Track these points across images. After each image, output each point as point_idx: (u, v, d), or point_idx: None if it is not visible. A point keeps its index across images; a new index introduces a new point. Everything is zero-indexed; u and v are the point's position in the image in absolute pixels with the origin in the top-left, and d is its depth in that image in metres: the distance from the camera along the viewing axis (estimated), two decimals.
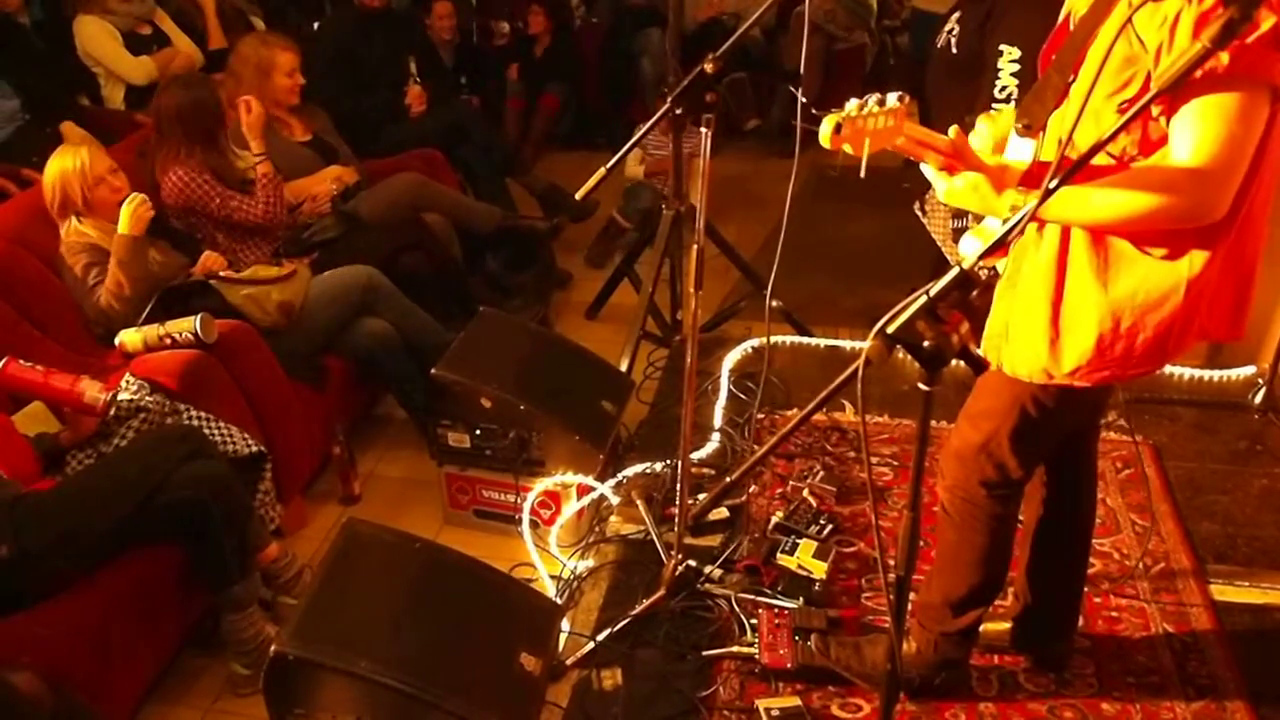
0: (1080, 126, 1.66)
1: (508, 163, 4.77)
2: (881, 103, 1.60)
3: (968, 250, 1.73)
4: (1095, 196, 1.60)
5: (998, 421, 1.91)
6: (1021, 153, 1.82)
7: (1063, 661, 2.33)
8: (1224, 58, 1.44)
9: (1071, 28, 1.72)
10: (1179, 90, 1.49)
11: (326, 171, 3.74)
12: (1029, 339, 1.79)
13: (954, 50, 3.12)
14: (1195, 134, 1.52)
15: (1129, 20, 1.48)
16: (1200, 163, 1.52)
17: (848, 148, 1.61)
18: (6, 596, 2.11)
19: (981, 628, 2.35)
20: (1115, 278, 1.70)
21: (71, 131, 3.58)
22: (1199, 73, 1.42)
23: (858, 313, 3.88)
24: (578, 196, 2.39)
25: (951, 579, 2.10)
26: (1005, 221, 1.70)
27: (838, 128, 1.57)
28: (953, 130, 1.75)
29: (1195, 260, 1.65)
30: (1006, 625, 2.35)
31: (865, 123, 1.59)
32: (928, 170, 1.78)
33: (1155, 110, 1.56)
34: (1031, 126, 1.75)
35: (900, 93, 1.63)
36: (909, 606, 2.00)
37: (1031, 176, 1.76)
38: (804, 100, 2.34)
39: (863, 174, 1.61)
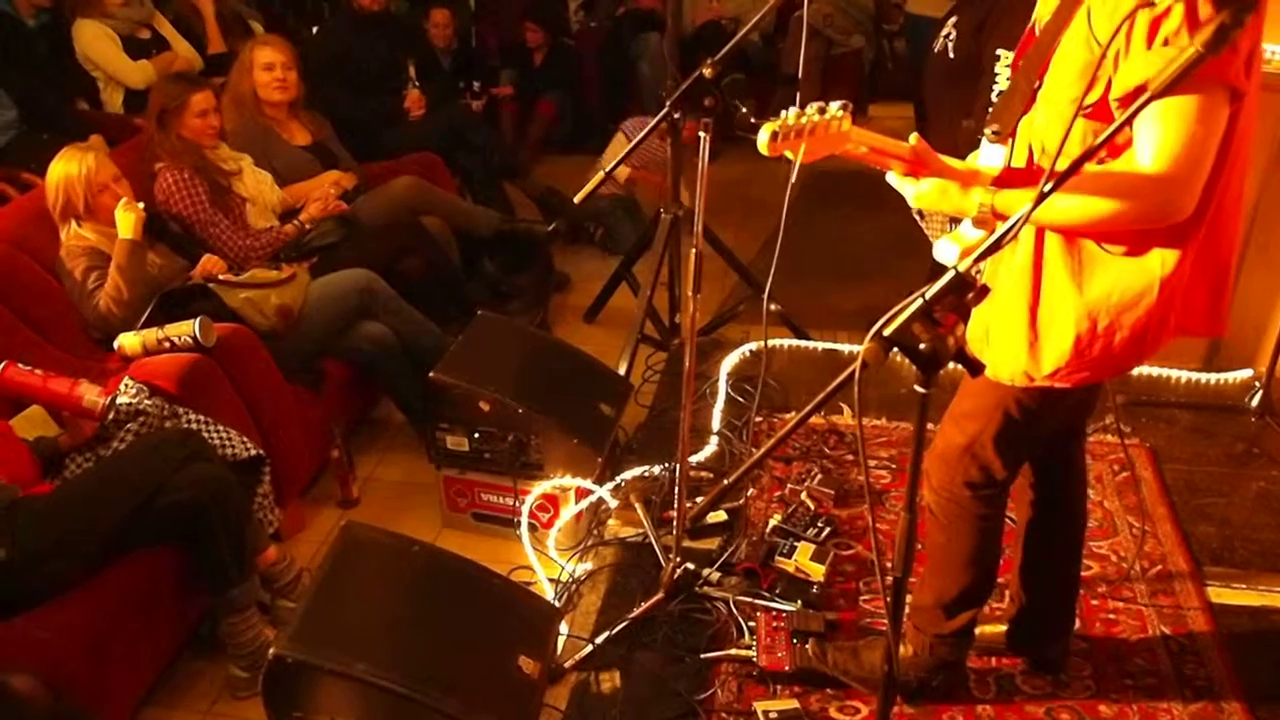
0: (1048, 132, 1.68)
1: (506, 166, 4.78)
2: (822, 110, 1.61)
3: (943, 255, 1.74)
4: (1062, 199, 1.61)
5: (982, 423, 1.92)
6: (992, 159, 1.83)
7: (1060, 663, 2.34)
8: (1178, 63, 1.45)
9: (1037, 34, 1.73)
10: (1138, 93, 1.50)
11: (324, 176, 3.74)
12: (1008, 342, 1.80)
13: (951, 55, 3.13)
14: (1156, 136, 1.54)
15: (1124, 25, 1.49)
16: (1162, 164, 1.53)
17: (789, 154, 1.62)
18: (5, 600, 2.11)
19: (978, 630, 2.35)
20: (1090, 279, 1.71)
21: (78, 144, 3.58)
22: (1162, 77, 1.44)
23: (855, 316, 3.88)
24: (576, 200, 2.40)
25: (942, 581, 2.11)
26: (974, 222, 1.71)
27: (774, 135, 1.58)
28: (913, 137, 1.76)
29: (1167, 259, 1.67)
30: (1003, 628, 2.36)
31: (804, 130, 1.60)
32: (892, 178, 1.78)
33: (1119, 113, 1.57)
34: (1001, 133, 1.77)
35: (843, 101, 1.63)
36: (904, 610, 2.01)
37: (1002, 182, 1.77)
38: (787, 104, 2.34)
39: (792, 179, 1.62)
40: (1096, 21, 1.56)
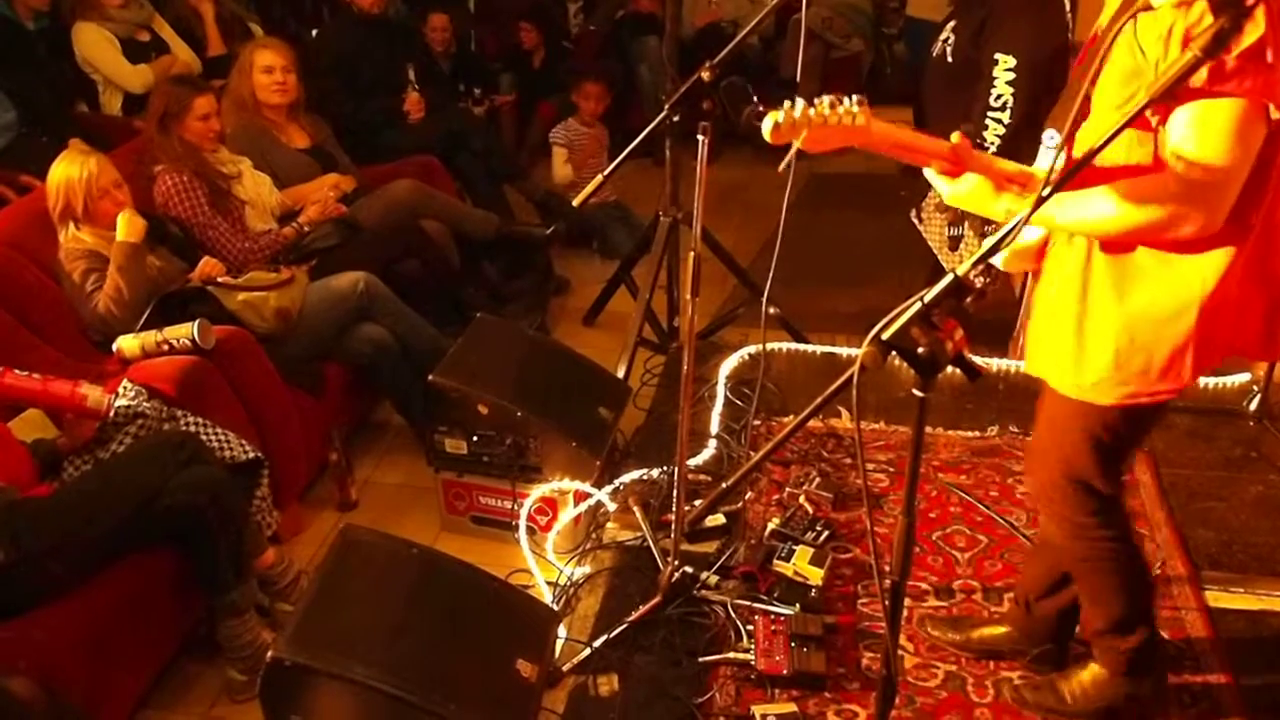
0: (1093, 137, 1.67)
1: (505, 169, 4.78)
2: (835, 104, 1.60)
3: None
4: (1090, 204, 1.61)
5: (1068, 451, 1.89)
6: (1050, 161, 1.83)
7: (1060, 664, 2.34)
8: (1202, 72, 1.45)
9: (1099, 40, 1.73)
10: (1170, 100, 1.50)
11: (324, 179, 3.75)
12: (1058, 349, 1.80)
13: (949, 59, 3.14)
14: (1182, 143, 1.54)
15: (1117, 31, 1.50)
16: (1185, 171, 1.53)
17: (798, 142, 1.60)
18: (3, 601, 2.11)
19: (977, 633, 2.36)
20: (1131, 291, 1.70)
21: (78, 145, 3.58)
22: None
23: (854, 319, 3.88)
24: (575, 203, 2.41)
25: (1107, 607, 2.07)
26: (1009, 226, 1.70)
27: (777, 126, 1.56)
28: (955, 135, 1.75)
29: (1208, 277, 1.66)
30: (1002, 629, 2.36)
31: (810, 122, 1.58)
32: (930, 175, 1.78)
33: (1154, 120, 1.57)
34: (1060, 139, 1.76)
35: (860, 97, 1.63)
36: (902, 613, 2.00)
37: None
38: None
39: (781, 169, 1.61)
40: (1142, 28, 1.56)
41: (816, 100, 1.58)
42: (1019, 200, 1.70)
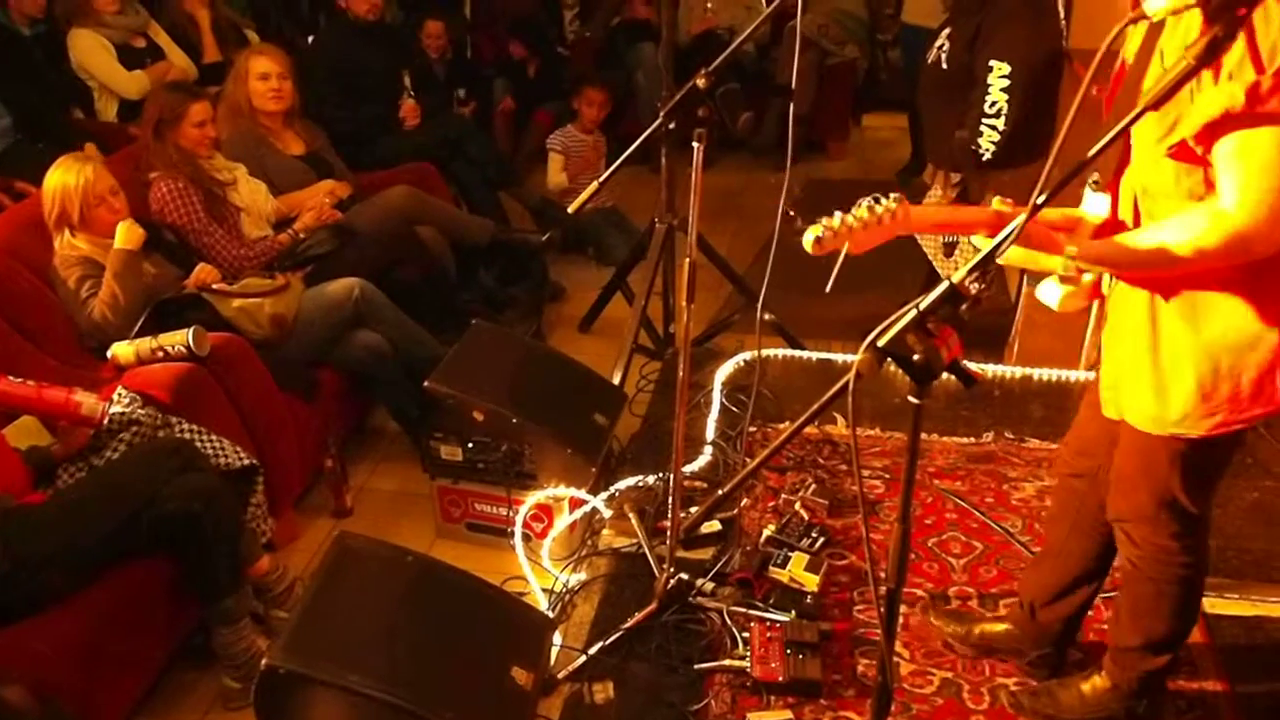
0: (1143, 174, 1.67)
1: (501, 176, 4.79)
2: (872, 206, 1.58)
3: (1045, 296, 1.73)
4: (1149, 242, 1.60)
5: (1162, 478, 1.88)
6: (1096, 207, 1.83)
7: (1057, 669, 2.34)
8: (1240, 98, 1.45)
9: (1126, 72, 1.71)
10: (1215, 127, 1.50)
11: (319, 185, 3.74)
12: (1137, 389, 1.79)
13: (944, 66, 3.15)
14: (1226, 172, 1.53)
15: (1112, 39, 1.49)
16: (1232, 200, 1.53)
17: (844, 249, 1.59)
18: None
19: (980, 627, 2.36)
20: (1204, 320, 1.69)
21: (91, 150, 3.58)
22: (1224, 110, 1.43)
23: (849, 326, 3.88)
24: (570, 210, 2.41)
25: (1151, 623, 2.06)
26: (1061, 279, 1.68)
27: (818, 240, 1.56)
28: (995, 201, 1.74)
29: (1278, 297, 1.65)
30: (1002, 627, 2.37)
31: (850, 229, 1.57)
32: (978, 241, 1.76)
33: (1199, 150, 1.56)
34: (1101, 181, 1.76)
35: (898, 195, 1.62)
36: (898, 620, 2.00)
37: (1106, 232, 1.76)
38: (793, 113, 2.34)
39: (828, 287, 1.60)
40: (1168, 58, 1.56)
41: (854, 205, 1.57)
42: (1072, 253, 1.67)
